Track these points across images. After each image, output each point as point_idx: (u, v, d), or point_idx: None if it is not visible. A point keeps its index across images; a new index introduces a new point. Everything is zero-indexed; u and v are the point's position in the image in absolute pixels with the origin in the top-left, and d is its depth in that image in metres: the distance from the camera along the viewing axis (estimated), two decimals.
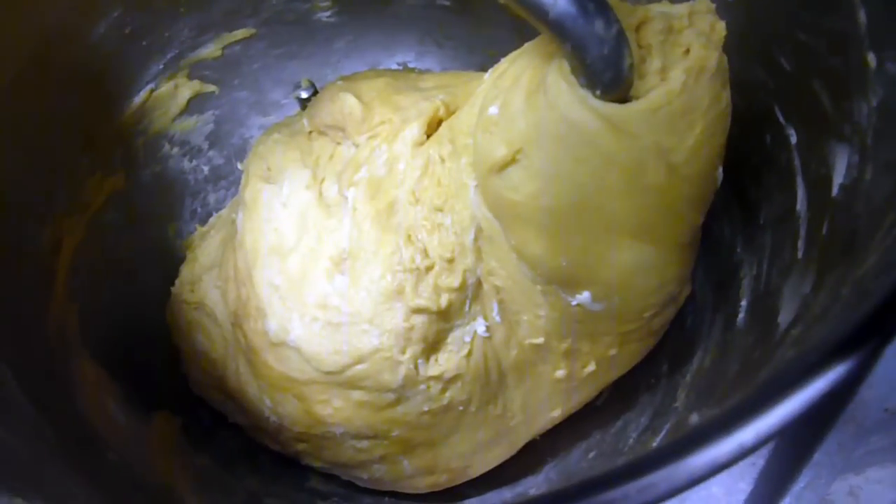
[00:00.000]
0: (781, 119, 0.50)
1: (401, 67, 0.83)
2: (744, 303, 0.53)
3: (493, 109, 0.49)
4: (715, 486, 0.41)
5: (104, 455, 0.56)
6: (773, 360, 0.39)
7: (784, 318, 0.43)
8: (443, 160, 0.56)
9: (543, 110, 0.45)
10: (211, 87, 0.77)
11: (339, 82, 0.69)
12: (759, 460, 0.40)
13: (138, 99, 0.71)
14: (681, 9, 0.47)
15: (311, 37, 0.79)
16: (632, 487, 0.22)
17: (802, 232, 0.46)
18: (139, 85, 0.71)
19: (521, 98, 0.47)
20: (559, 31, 0.40)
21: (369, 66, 0.82)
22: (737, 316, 0.53)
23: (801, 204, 0.47)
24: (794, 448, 0.36)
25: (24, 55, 0.57)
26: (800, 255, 0.46)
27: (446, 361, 0.57)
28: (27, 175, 0.59)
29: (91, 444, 0.56)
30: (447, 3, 0.77)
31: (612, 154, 0.44)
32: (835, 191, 0.43)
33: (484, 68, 0.76)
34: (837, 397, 0.27)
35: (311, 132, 0.68)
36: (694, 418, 0.33)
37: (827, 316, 0.34)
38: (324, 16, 0.78)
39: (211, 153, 0.81)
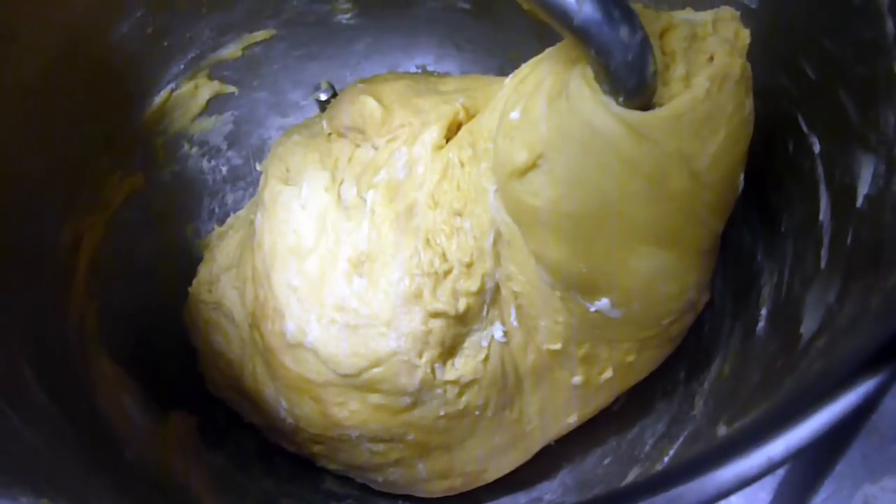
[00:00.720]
0: (805, 127, 0.50)
1: (420, 70, 0.83)
2: (764, 311, 0.53)
3: (514, 114, 0.49)
4: (734, 496, 0.41)
5: (121, 454, 0.56)
6: (798, 370, 0.39)
7: (807, 327, 0.43)
8: (462, 164, 0.56)
9: (566, 116, 0.45)
10: (231, 88, 0.78)
11: (359, 85, 0.69)
12: (779, 470, 0.40)
13: (159, 99, 0.71)
14: (705, 16, 0.47)
15: (331, 39, 0.79)
16: (660, 499, 0.22)
17: (826, 241, 0.46)
18: (160, 85, 0.71)
19: (542, 103, 0.47)
20: (584, 36, 0.40)
21: (389, 68, 0.82)
22: (756, 324, 0.53)
23: (824, 213, 0.47)
24: (817, 459, 0.36)
25: (47, 54, 0.57)
26: (823, 264, 0.45)
27: (463, 366, 0.57)
28: (48, 173, 0.60)
29: (109, 442, 0.56)
30: (467, 7, 0.77)
31: (634, 160, 0.44)
32: (860, 201, 0.42)
33: (503, 72, 0.77)
34: (864, 408, 0.27)
35: (330, 134, 0.68)
36: (721, 430, 0.32)
37: (855, 327, 0.34)
38: (344, 18, 0.78)
39: (230, 153, 0.82)
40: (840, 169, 0.45)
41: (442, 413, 0.58)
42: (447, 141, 0.60)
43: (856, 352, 0.24)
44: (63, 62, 0.59)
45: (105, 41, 0.63)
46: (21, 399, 0.47)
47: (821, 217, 0.47)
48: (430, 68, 0.83)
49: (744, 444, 0.23)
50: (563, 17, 0.39)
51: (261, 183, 0.70)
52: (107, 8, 0.62)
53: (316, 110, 0.82)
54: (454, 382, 0.57)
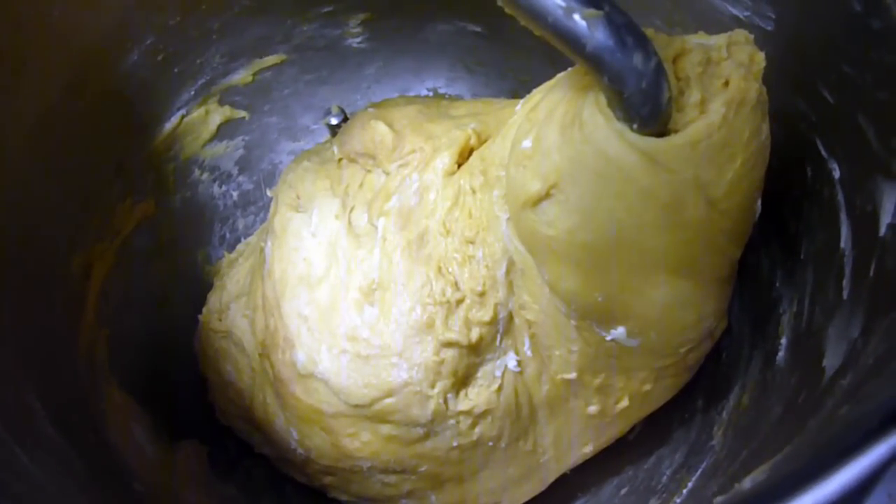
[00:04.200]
0: (824, 153, 0.49)
1: (431, 93, 0.83)
2: (784, 340, 0.52)
3: (526, 143, 0.48)
4: None
5: (130, 486, 0.56)
6: (823, 409, 0.37)
7: (830, 362, 0.42)
8: (474, 191, 0.56)
9: (579, 145, 0.44)
10: (241, 113, 0.78)
11: (370, 109, 0.69)
12: None
13: (169, 125, 0.71)
14: (719, 39, 0.46)
15: (342, 63, 0.79)
16: None
17: (847, 271, 0.45)
18: (171, 111, 0.71)
19: (555, 132, 0.46)
20: (596, 64, 0.39)
21: (399, 91, 0.82)
22: (776, 353, 0.52)
23: (845, 241, 0.46)
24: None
25: (60, 84, 0.57)
26: (845, 295, 0.44)
27: (476, 396, 0.56)
28: (59, 201, 0.59)
29: (118, 474, 0.55)
30: (478, 30, 0.76)
31: (650, 189, 0.43)
32: (882, 230, 0.41)
33: (515, 94, 0.76)
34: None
35: (340, 160, 0.68)
36: (742, 467, 0.31)
37: (883, 371, 0.33)
38: (354, 42, 0.78)
39: (240, 178, 0.82)
40: (861, 196, 0.44)
41: (455, 444, 0.57)
42: (459, 167, 0.59)
43: (885, 401, 0.23)
44: (74, 91, 0.59)
45: (116, 69, 0.63)
46: (28, 433, 0.46)
47: (842, 245, 0.46)
48: (441, 91, 0.83)
49: (771, 498, 0.22)
50: (575, 43, 0.38)
51: (271, 210, 0.70)
52: (117, 36, 0.62)
53: (327, 134, 0.81)
54: (467, 413, 0.56)
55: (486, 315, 0.54)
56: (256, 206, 0.83)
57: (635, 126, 0.42)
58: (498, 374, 0.56)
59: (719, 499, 0.35)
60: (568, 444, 0.60)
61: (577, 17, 0.37)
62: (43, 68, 0.56)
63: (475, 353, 0.56)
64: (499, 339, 0.56)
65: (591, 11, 0.37)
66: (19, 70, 0.53)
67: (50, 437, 0.49)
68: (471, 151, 0.60)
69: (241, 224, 0.83)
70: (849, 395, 0.35)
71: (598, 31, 0.37)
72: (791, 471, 0.22)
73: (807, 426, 0.37)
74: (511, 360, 0.56)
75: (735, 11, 0.54)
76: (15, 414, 0.46)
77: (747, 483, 0.31)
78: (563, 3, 0.37)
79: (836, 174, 0.47)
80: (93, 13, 0.59)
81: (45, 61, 0.56)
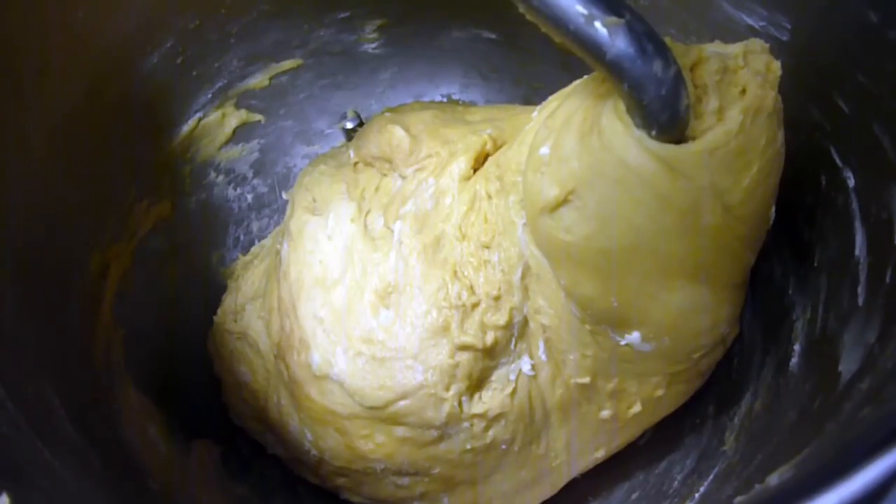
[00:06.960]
0: (838, 161, 0.49)
1: (445, 99, 0.83)
2: (797, 346, 0.52)
3: (543, 150, 0.49)
4: None
5: (146, 484, 0.56)
6: (841, 412, 0.38)
7: (846, 367, 0.42)
8: (490, 196, 0.56)
9: (598, 152, 0.44)
10: (257, 117, 0.78)
11: (387, 114, 0.69)
12: None
13: (186, 128, 0.72)
14: (735, 48, 0.46)
15: (357, 68, 0.80)
16: None
17: (862, 278, 0.45)
18: (188, 114, 0.72)
19: (573, 139, 0.46)
20: (617, 71, 0.39)
21: (414, 97, 0.83)
22: (790, 360, 0.52)
23: (859, 249, 0.46)
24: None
25: (81, 86, 0.58)
26: (860, 301, 0.44)
27: (490, 399, 0.57)
28: (76, 202, 0.60)
29: (134, 473, 0.56)
30: (493, 37, 0.77)
31: (668, 196, 0.44)
32: None
33: (529, 101, 0.77)
34: None
35: (356, 163, 0.69)
36: (773, 480, 0.31)
37: None
38: (370, 48, 0.78)
39: (255, 181, 0.82)
40: (876, 204, 0.45)
41: (468, 447, 0.58)
42: (474, 172, 0.60)
43: None
44: (95, 93, 0.59)
45: (135, 72, 0.64)
46: (50, 430, 0.47)
47: (856, 252, 0.46)
48: (455, 97, 0.84)
49: (794, 497, 0.22)
50: (596, 51, 0.38)
51: (287, 213, 0.70)
52: (138, 40, 0.62)
53: (341, 139, 0.82)
54: (481, 416, 0.57)
55: (502, 319, 0.55)
56: (271, 209, 0.84)
57: (654, 133, 0.42)
58: (512, 377, 0.57)
59: (739, 498, 0.35)
60: (580, 448, 0.60)
61: (598, 24, 0.38)
62: (66, 71, 0.56)
63: (490, 356, 0.56)
64: (513, 342, 0.56)
65: (613, 19, 0.38)
66: (43, 72, 0.54)
67: (69, 434, 0.49)
68: (486, 157, 0.60)
69: (255, 226, 0.83)
70: (868, 399, 0.36)
71: (618, 39, 0.38)
72: (814, 469, 0.22)
73: (825, 429, 0.37)
74: (525, 364, 0.57)
75: (750, 21, 0.54)
76: (37, 411, 0.46)
77: (773, 479, 0.31)
78: (584, 11, 0.37)
79: (851, 182, 0.48)
80: (115, 16, 0.59)
81: (68, 64, 0.56)
